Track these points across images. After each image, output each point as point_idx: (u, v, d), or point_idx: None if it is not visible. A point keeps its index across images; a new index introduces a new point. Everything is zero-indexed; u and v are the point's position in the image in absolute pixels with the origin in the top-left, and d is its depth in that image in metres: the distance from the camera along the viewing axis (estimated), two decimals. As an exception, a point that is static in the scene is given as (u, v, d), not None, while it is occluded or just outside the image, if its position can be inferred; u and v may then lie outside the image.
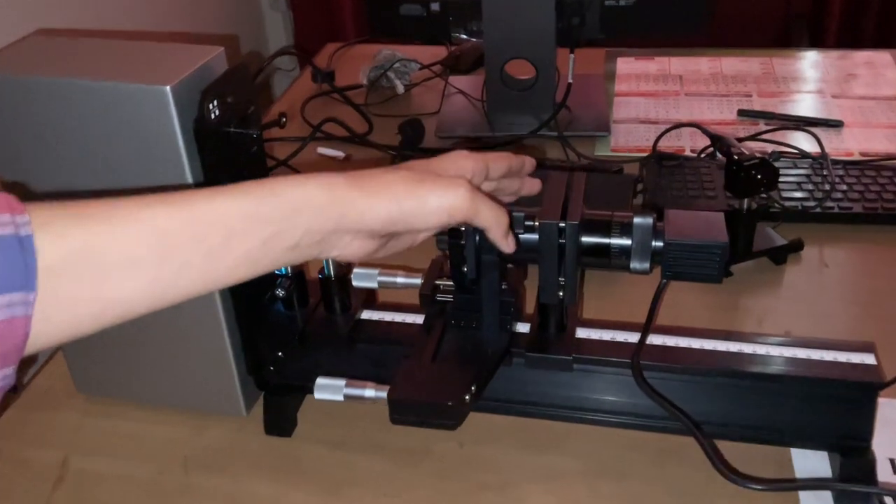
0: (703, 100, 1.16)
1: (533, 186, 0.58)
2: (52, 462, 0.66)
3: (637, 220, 0.53)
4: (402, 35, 1.13)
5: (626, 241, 0.53)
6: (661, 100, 1.17)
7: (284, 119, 0.63)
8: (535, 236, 0.54)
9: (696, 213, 0.55)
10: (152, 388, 0.69)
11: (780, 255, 0.83)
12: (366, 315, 0.65)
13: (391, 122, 1.11)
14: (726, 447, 0.59)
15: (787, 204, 0.88)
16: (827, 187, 0.90)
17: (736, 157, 0.77)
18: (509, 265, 0.59)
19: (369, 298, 0.67)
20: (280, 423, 0.67)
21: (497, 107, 1.11)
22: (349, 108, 1.16)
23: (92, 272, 0.37)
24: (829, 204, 0.88)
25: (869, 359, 0.57)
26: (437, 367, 0.56)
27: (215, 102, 0.55)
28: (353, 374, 0.56)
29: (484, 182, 0.53)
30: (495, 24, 1.04)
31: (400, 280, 0.63)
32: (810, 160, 0.95)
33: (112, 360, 0.68)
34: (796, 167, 0.94)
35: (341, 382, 0.55)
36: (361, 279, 0.63)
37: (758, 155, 0.77)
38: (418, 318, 0.63)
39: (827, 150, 0.96)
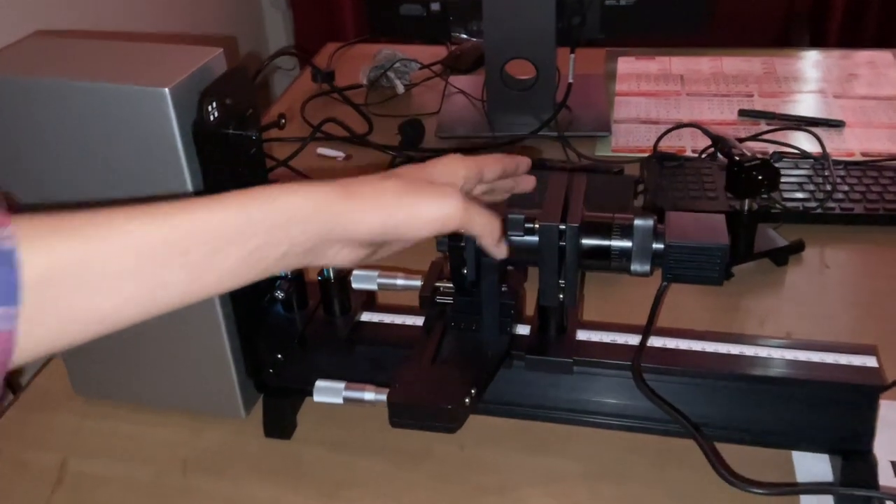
0: (703, 100, 1.16)
1: (527, 184, 0.57)
2: (51, 464, 0.66)
3: (637, 222, 0.53)
4: (402, 35, 1.13)
5: (627, 244, 0.53)
6: (661, 100, 1.17)
7: (284, 120, 0.63)
8: (536, 238, 0.53)
9: (697, 215, 0.54)
10: (151, 390, 0.69)
11: (781, 257, 0.83)
12: (365, 317, 0.65)
13: (391, 122, 1.11)
14: (727, 449, 0.59)
15: (789, 205, 0.87)
16: (828, 188, 0.89)
17: (737, 159, 0.77)
18: (509, 267, 0.59)
19: (369, 300, 0.66)
20: (279, 425, 0.66)
21: (497, 107, 1.11)
22: (349, 108, 1.16)
23: (75, 286, 0.37)
24: (831, 205, 0.88)
25: (870, 361, 0.57)
26: (436, 369, 0.56)
27: (214, 104, 0.55)
28: (353, 377, 0.56)
29: (477, 185, 0.53)
30: (495, 23, 1.04)
31: (400, 282, 0.62)
32: (811, 160, 0.95)
33: (110, 362, 0.68)
34: (797, 168, 0.94)
35: (340, 385, 0.55)
36: (361, 281, 0.63)
37: (759, 156, 0.77)
38: (418, 321, 0.63)
39: (828, 150, 0.96)
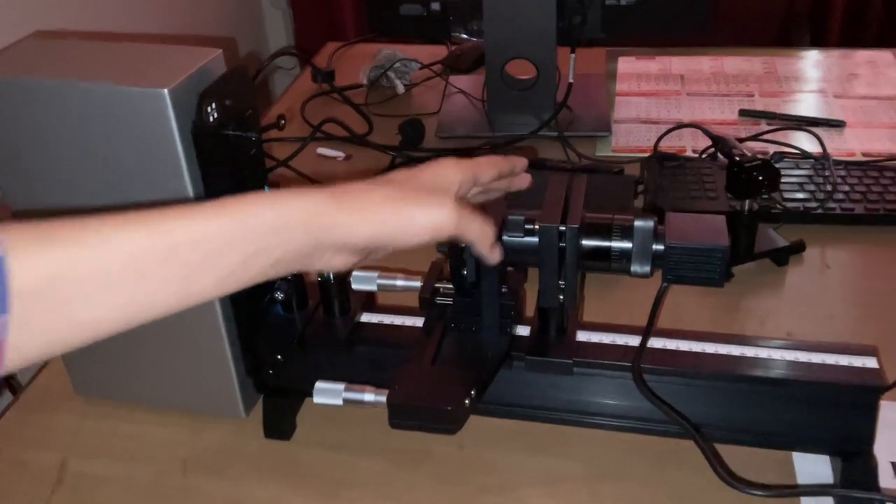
0: (704, 99, 1.16)
1: (522, 182, 0.57)
2: (51, 464, 0.66)
3: (638, 223, 0.53)
4: (402, 34, 1.13)
5: (627, 245, 0.53)
6: (662, 99, 1.17)
7: (283, 122, 0.63)
8: (536, 239, 0.53)
9: (697, 216, 0.54)
10: (151, 390, 0.69)
11: (781, 257, 0.83)
12: (365, 318, 0.65)
13: (391, 122, 1.10)
14: (728, 450, 0.59)
15: (789, 205, 0.87)
16: (829, 188, 0.89)
17: (737, 159, 0.76)
18: (509, 268, 0.59)
19: (368, 301, 0.66)
20: (279, 426, 0.66)
21: (497, 107, 1.11)
22: (349, 108, 1.16)
23: (65, 295, 0.36)
24: (831, 205, 0.87)
25: (871, 362, 0.57)
26: (436, 370, 0.56)
27: (213, 105, 0.55)
28: (353, 378, 0.56)
29: (472, 187, 0.52)
30: (496, 23, 1.04)
31: (399, 283, 0.62)
32: (812, 161, 0.95)
33: (110, 362, 0.68)
34: (798, 168, 0.94)
35: (340, 386, 0.55)
36: (361, 282, 0.63)
37: (759, 156, 0.77)
38: (418, 321, 0.63)
39: (829, 150, 0.96)
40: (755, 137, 1.02)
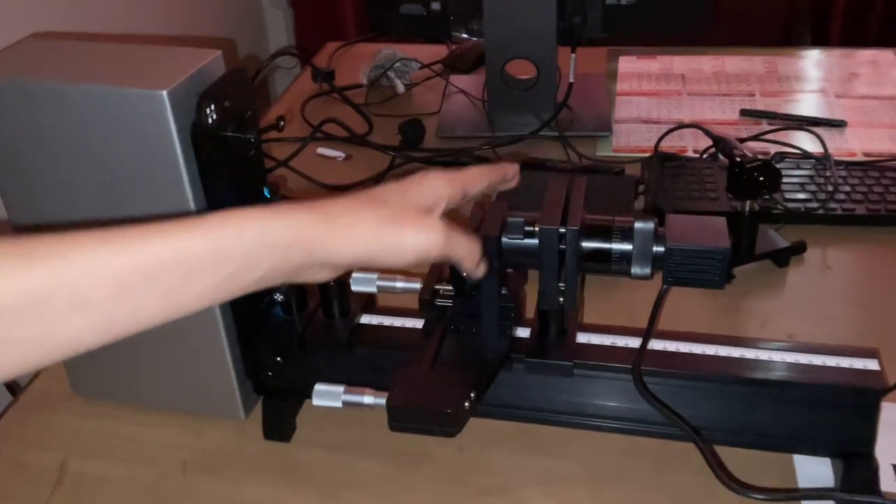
0: (705, 99, 1.16)
1: (510, 183, 0.56)
2: (51, 465, 0.66)
3: (638, 225, 0.52)
4: (402, 34, 1.13)
5: (627, 247, 0.53)
6: (663, 99, 1.16)
7: (283, 123, 0.63)
8: (535, 241, 0.53)
9: (698, 218, 0.54)
10: (150, 391, 0.69)
11: (782, 258, 0.83)
12: (365, 319, 0.65)
13: (391, 122, 1.10)
14: (728, 452, 0.58)
15: (790, 205, 0.87)
16: (830, 188, 0.89)
17: (738, 160, 0.76)
18: (509, 270, 0.59)
19: (368, 303, 0.66)
20: (279, 427, 0.66)
21: (498, 106, 1.10)
22: (349, 107, 1.15)
23: (42, 313, 0.36)
24: (832, 205, 0.87)
25: (872, 364, 0.57)
26: (436, 372, 0.56)
27: (212, 106, 0.55)
28: (352, 379, 0.56)
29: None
30: (496, 23, 1.04)
31: (399, 284, 0.62)
32: (813, 161, 0.95)
33: (110, 363, 0.68)
34: (799, 168, 0.93)
35: (339, 389, 0.55)
36: (360, 283, 0.63)
37: (760, 157, 0.77)
38: (418, 323, 0.63)
39: (830, 150, 0.96)
40: (756, 137, 1.02)
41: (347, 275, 0.63)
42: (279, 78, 1.98)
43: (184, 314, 0.41)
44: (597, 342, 0.61)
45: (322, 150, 1.07)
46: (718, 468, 0.55)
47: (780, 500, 0.58)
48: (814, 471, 0.60)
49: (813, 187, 0.90)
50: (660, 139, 1.00)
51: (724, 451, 0.58)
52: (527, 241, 0.53)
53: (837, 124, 1.06)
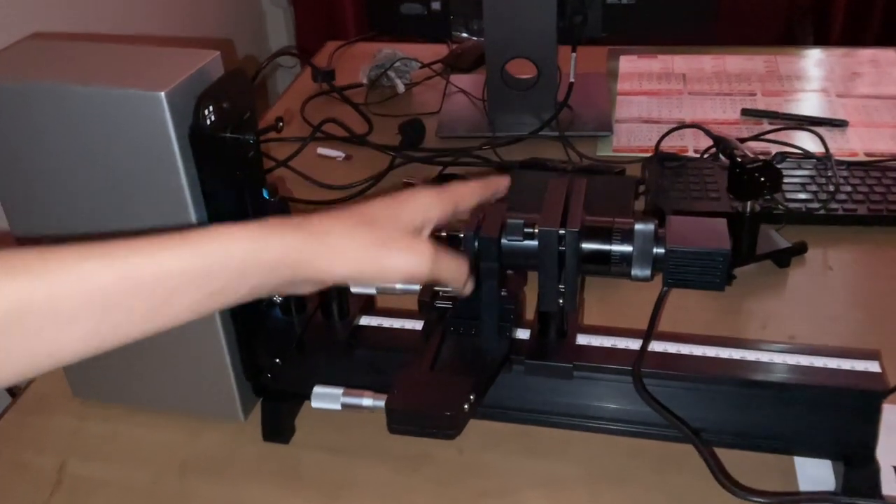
0: (706, 99, 1.15)
1: (498, 193, 0.56)
2: (50, 467, 0.66)
3: (638, 226, 0.52)
4: (402, 33, 1.13)
5: (627, 248, 0.52)
6: (664, 99, 1.16)
7: (282, 124, 0.62)
8: (535, 243, 0.53)
9: (699, 220, 0.54)
10: (149, 393, 0.69)
11: (783, 258, 0.82)
12: (364, 321, 0.65)
13: (391, 121, 1.10)
14: (729, 455, 0.58)
15: (791, 206, 0.87)
16: (831, 188, 0.89)
17: (739, 160, 0.76)
18: (509, 271, 0.59)
19: (367, 304, 0.66)
20: (278, 429, 0.66)
21: (498, 106, 1.10)
22: (349, 107, 1.15)
23: (25, 328, 0.36)
24: (834, 206, 0.87)
25: (873, 366, 0.57)
26: (435, 375, 0.55)
27: (211, 108, 0.55)
28: (351, 381, 0.55)
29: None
30: (496, 22, 1.03)
31: (399, 286, 0.62)
32: (814, 161, 0.95)
33: (109, 365, 0.68)
34: (800, 168, 0.93)
35: (338, 391, 0.54)
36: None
37: (761, 157, 0.76)
38: (417, 325, 0.63)
39: (831, 150, 0.95)
40: (757, 137, 1.01)
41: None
42: (279, 77, 1.98)
43: (169, 327, 0.41)
44: (597, 344, 0.61)
45: (322, 150, 1.07)
46: (718, 471, 0.55)
47: (780, 503, 0.57)
48: (815, 473, 0.60)
49: (814, 187, 0.90)
50: (660, 139, 0.99)
51: (724, 454, 0.58)
52: (526, 242, 0.53)
53: (839, 124, 1.06)
